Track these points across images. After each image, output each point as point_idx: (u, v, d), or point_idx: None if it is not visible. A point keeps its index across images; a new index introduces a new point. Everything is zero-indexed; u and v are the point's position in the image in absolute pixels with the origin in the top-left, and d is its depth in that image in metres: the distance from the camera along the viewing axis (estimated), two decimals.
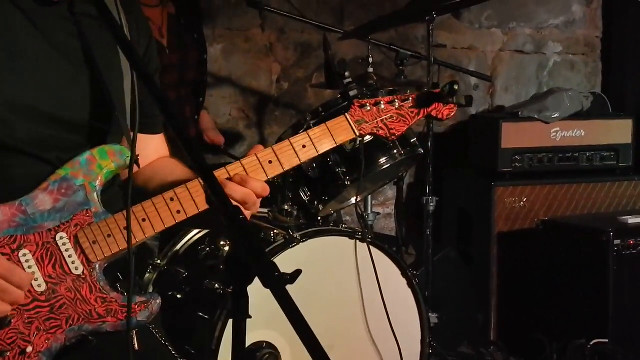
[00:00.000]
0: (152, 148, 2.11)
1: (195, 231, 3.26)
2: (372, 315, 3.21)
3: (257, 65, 4.80)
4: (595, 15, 5.49)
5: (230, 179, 1.86)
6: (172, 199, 1.83)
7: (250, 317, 1.55)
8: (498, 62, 5.33)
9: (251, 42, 4.78)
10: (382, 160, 3.31)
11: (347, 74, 3.11)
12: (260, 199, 1.90)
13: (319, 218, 3.36)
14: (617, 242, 3.91)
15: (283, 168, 1.94)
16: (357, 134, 2.03)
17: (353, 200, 3.53)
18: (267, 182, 3.44)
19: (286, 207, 3.29)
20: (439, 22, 4.02)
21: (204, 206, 1.85)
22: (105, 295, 1.80)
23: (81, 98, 1.88)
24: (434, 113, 2.12)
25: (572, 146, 4.60)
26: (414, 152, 3.39)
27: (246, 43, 4.76)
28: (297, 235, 3.04)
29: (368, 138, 3.26)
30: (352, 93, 3.04)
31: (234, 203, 1.68)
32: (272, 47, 4.83)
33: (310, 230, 3.14)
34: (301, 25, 4.70)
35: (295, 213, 3.30)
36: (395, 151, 3.32)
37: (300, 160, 1.96)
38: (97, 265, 1.80)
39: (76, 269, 1.80)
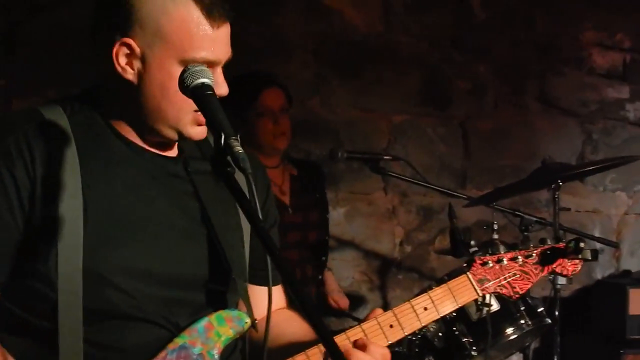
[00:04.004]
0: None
1: None
2: None
3: (380, 229, 4.85)
4: None
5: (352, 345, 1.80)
6: None
7: None
8: (623, 225, 5.24)
9: (374, 205, 4.85)
10: (509, 330, 3.29)
11: (472, 242, 3.13)
12: None
13: None
14: None
15: (404, 332, 1.88)
16: (480, 294, 1.95)
17: None
18: (393, 351, 3.45)
19: None
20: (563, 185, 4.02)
21: None
22: None
23: (199, 259, 1.84)
24: (558, 269, 2.07)
25: None
26: (541, 323, 3.36)
27: (369, 206, 4.84)
28: None
29: (495, 308, 3.32)
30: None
31: None
32: (394, 210, 4.90)
33: None
34: (423, 188, 4.76)
35: None
36: (522, 321, 3.30)
37: (421, 324, 1.89)
38: None
39: None
